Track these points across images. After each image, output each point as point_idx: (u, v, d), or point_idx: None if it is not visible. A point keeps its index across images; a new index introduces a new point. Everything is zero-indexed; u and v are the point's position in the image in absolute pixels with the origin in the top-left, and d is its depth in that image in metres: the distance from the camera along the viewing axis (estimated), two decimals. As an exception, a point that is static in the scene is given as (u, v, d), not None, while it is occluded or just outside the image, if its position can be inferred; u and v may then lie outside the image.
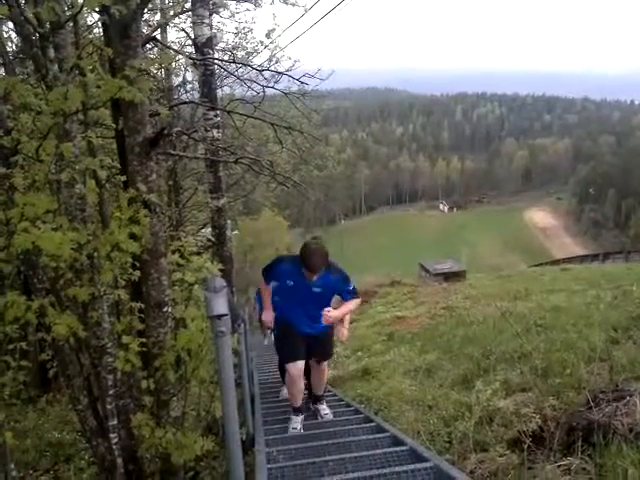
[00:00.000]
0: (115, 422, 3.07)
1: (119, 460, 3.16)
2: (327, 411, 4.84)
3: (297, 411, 4.46)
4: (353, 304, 4.46)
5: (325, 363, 4.72)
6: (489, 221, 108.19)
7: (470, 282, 19.45)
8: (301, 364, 4.28)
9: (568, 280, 14.30)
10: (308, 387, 4.92)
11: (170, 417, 3.32)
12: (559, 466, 3.24)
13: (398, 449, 3.32)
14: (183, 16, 8.19)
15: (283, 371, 5.69)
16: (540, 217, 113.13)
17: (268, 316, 4.54)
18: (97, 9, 2.93)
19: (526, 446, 3.46)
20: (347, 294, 4.36)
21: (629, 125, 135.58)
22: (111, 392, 3.05)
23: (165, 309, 3.25)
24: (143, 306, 3.25)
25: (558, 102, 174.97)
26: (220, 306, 1.59)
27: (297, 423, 4.39)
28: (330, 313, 4.19)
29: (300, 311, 4.25)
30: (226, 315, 1.62)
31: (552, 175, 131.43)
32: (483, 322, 8.99)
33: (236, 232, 15.91)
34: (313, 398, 4.87)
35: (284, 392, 5.83)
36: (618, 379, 4.14)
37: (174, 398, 3.32)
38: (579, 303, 8.68)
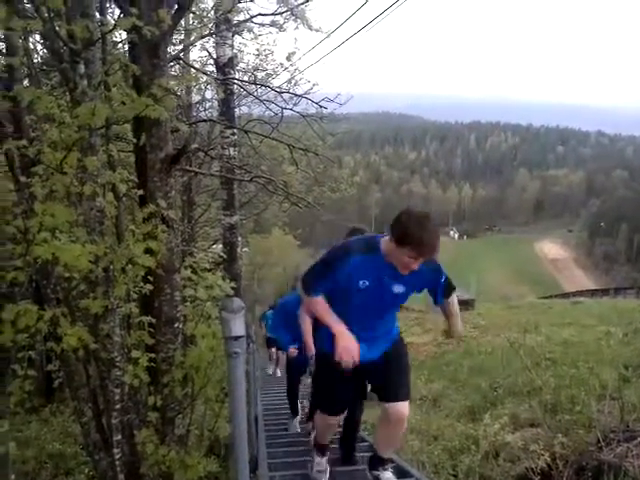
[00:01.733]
0: (119, 437, 3.04)
1: (121, 476, 3.13)
2: None
3: (323, 451, 3.34)
4: (456, 301, 3.09)
5: (407, 405, 2.93)
6: (499, 250, 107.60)
7: (479, 311, 19.28)
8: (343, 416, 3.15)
9: (578, 314, 14.14)
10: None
11: (175, 435, 3.29)
12: (568, 507, 3.17)
13: (403, 480, 3.26)
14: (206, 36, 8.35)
15: (294, 399, 5.44)
16: (551, 249, 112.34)
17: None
18: (128, 29, 2.99)
19: (534, 484, 3.40)
20: (442, 289, 2.90)
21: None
22: (117, 406, 3.04)
23: (176, 325, 3.25)
24: (154, 321, 3.26)
25: (572, 134, 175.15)
26: (237, 327, 1.59)
27: (321, 466, 3.32)
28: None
29: (360, 326, 2.76)
30: (242, 337, 1.62)
31: (564, 207, 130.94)
32: (491, 353, 8.90)
33: (246, 249, 15.94)
34: (374, 460, 3.13)
35: (295, 423, 5.53)
36: (629, 419, 4.07)
37: (179, 416, 3.30)
38: (589, 338, 8.57)
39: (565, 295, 33.08)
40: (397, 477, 3.16)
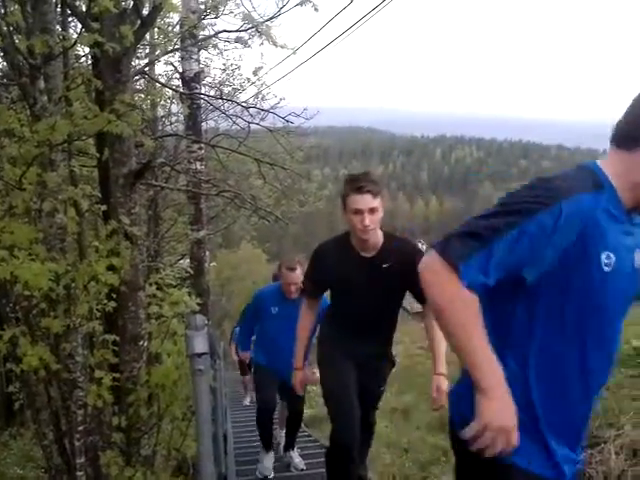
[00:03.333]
0: (82, 460, 2.95)
1: (84, 500, 3.03)
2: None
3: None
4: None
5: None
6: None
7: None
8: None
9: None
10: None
11: (140, 456, 3.22)
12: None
13: (373, 493, 3.26)
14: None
15: (265, 428, 4.29)
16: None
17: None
18: (90, 44, 2.97)
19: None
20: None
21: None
22: (80, 428, 2.95)
23: (141, 343, 3.20)
24: (118, 339, 3.19)
25: (534, 148, 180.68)
26: (200, 344, 1.58)
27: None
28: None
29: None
30: (206, 353, 1.61)
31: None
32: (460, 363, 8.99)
33: (214, 264, 15.79)
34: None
35: (266, 463, 4.37)
36: (592, 426, 4.16)
37: (145, 436, 3.23)
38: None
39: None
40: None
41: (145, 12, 3.29)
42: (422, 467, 4.54)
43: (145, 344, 3.23)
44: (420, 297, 2.53)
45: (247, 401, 9.25)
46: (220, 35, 6.80)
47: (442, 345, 2.74)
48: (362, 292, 2.58)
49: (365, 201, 2.45)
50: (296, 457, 4.55)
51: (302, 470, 4.36)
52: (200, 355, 1.61)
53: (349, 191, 2.49)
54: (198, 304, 6.67)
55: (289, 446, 4.59)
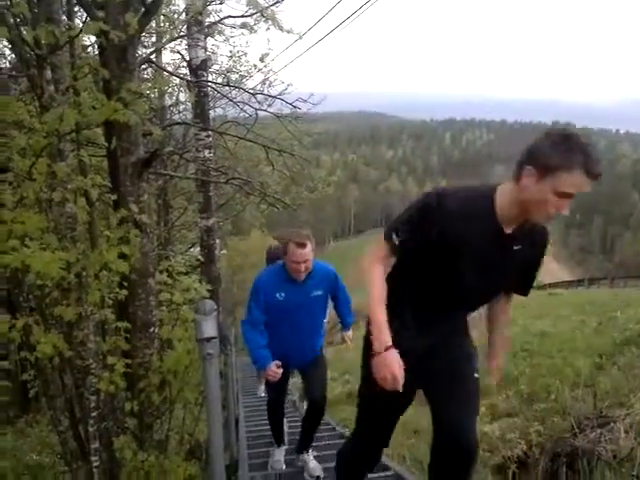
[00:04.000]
0: (97, 445, 3.02)
1: (100, 483, 3.11)
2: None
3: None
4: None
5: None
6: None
7: (458, 306, 19.46)
8: None
9: (554, 305, 14.42)
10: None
11: (153, 440, 3.28)
12: (543, 493, 3.25)
13: (382, 474, 3.30)
14: (179, 39, 8.31)
15: (277, 423, 3.96)
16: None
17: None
18: (95, 33, 2.97)
19: (511, 472, 3.47)
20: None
21: (614, 153, 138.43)
22: (94, 414, 3.01)
23: (152, 330, 3.24)
24: (129, 326, 3.24)
25: (544, 129, 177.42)
26: (209, 329, 1.60)
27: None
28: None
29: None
30: (215, 338, 1.63)
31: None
32: (470, 346, 9.01)
33: (224, 252, 15.87)
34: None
35: (278, 457, 4.02)
36: (602, 405, 4.17)
37: (158, 421, 3.29)
38: (565, 329, 8.74)
39: (541, 287, 33.65)
40: (377, 471, 3.20)
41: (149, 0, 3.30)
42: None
43: (156, 331, 3.28)
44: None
45: (261, 391, 8.65)
46: (226, 21, 6.76)
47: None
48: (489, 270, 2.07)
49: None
50: (311, 461, 3.82)
51: (318, 478, 3.70)
52: (209, 339, 1.63)
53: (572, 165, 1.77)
54: (209, 291, 6.72)
55: (304, 447, 3.84)
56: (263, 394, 8.23)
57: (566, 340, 7.38)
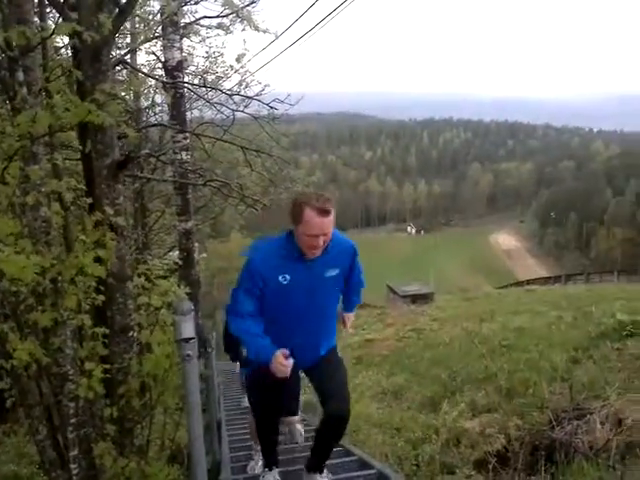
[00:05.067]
0: (76, 452, 2.96)
1: (80, 491, 3.06)
2: None
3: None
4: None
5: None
6: (455, 243, 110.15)
7: (438, 304, 19.70)
8: None
9: (531, 301, 14.65)
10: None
11: (134, 446, 3.24)
12: (523, 486, 3.30)
13: (365, 473, 3.32)
14: (154, 40, 8.24)
15: (270, 443, 3.20)
16: (504, 239, 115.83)
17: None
18: (68, 34, 2.93)
19: (491, 466, 3.52)
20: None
21: (588, 151, 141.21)
22: (72, 421, 2.96)
23: (130, 334, 3.20)
24: (107, 331, 3.20)
25: (520, 128, 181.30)
26: (188, 329, 1.60)
27: None
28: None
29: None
30: (193, 338, 1.63)
31: (516, 199, 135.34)
32: (449, 344, 9.12)
33: (204, 255, 15.76)
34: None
35: (256, 464, 3.70)
36: (579, 398, 4.26)
37: (138, 426, 3.25)
38: (542, 324, 8.90)
39: (519, 284, 34.19)
40: (359, 469, 3.21)
41: (123, 0, 3.26)
42: (414, 445, 4.61)
43: (134, 335, 3.24)
44: None
45: (247, 401, 7.72)
46: (201, 22, 6.71)
47: None
48: None
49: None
50: None
51: None
52: (188, 340, 1.63)
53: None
54: (188, 294, 6.67)
55: (317, 468, 2.96)
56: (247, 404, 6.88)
57: (543, 335, 7.52)
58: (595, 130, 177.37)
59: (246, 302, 2.64)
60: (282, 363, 2.47)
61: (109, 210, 2.96)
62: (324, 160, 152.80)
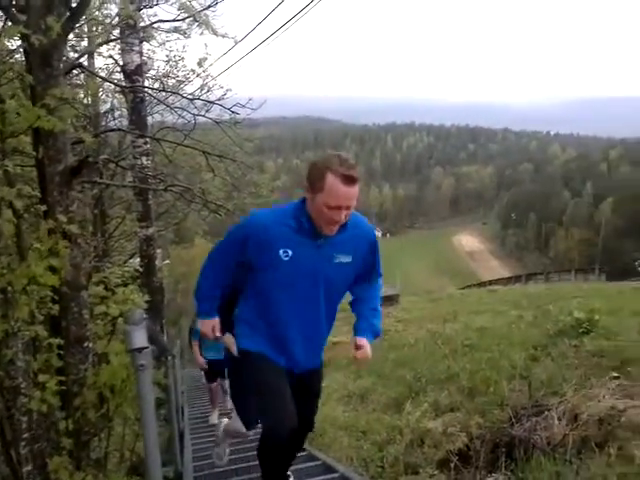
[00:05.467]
0: (30, 468, 2.86)
1: (35, 509, 2.95)
2: None
3: None
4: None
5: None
6: (420, 246, 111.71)
7: (403, 306, 19.91)
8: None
9: (493, 301, 14.98)
10: None
11: (91, 459, 3.15)
12: (484, 483, 3.36)
13: (329, 477, 3.32)
14: (112, 43, 8.08)
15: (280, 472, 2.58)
16: (467, 241, 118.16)
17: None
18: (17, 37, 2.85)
19: (453, 465, 3.57)
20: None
21: (545, 154, 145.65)
22: (25, 435, 2.86)
23: (86, 344, 3.12)
24: (62, 342, 3.10)
25: (481, 132, 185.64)
26: (139, 339, 1.57)
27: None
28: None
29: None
30: (146, 348, 1.59)
31: (478, 201, 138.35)
32: (414, 345, 9.22)
33: (167, 261, 15.50)
34: None
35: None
36: (538, 395, 4.37)
37: (95, 438, 3.17)
38: (503, 323, 9.10)
39: (482, 284, 34.91)
40: (323, 473, 3.21)
41: (74, 3, 3.19)
42: (379, 447, 4.64)
43: (90, 345, 3.16)
44: None
45: (215, 418, 6.34)
46: (157, 25, 6.61)
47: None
48: None
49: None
50: None
51: None
52: (141, 350, 1.60)
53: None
54: (150, 302, 6.55)
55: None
56: (216, 420, 5.88)
57: (504, 334, 7.69)
58: (552, 133, 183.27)
59: (217, 264, 2.35)
60: (210, 329, 2.43)
61: (62, 217, 2.88)
62: (289, 164, 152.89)
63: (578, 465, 3.06)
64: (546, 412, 3.92)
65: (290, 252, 2.15)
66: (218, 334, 2.44)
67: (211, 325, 2.42)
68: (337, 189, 2.02)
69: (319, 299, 2.25)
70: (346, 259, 2.22)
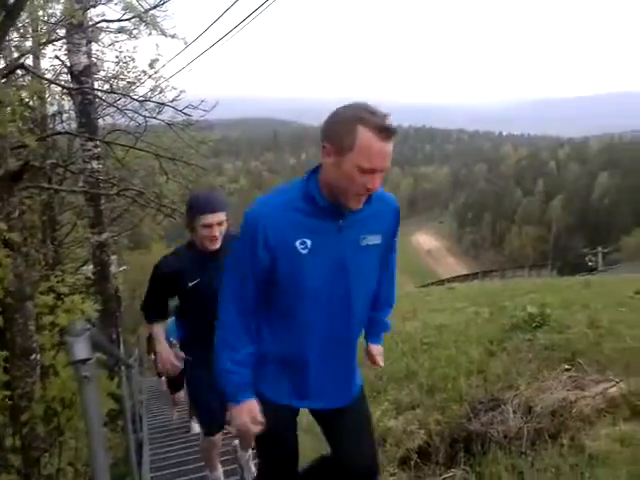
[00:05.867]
0: (-26, 489, 2.73)
1: (-19, 532, 2.80)
2: None
3: None
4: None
5: None
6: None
7: (364, 306, 19.98)
8: None
9: (452, 299, 15.24)
10: None
11: (42, 476, 3.02)
12: (444, 479, 3.40)
13: None
14: (58, 43, 7.82)
15: None
16: (425, 240, 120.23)
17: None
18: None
19: (413, 463, 3.60)
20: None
21: (498, 154, 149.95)
22: (-31, 455, 2.72)
23: (32, 357, 2.99)
24: (8, 355, 2.97)
25: (437, 133, 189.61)
26: (82, 350, 1.50)
27: None
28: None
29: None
30: (90, 359, 1.53)
31: (435, 201, 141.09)
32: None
33: (124, 268, 15.10)
34: None
35: None
36: (494, 389, 4.46)
37: (46, 454, 3.04)
38: (461, 320, 9.27)
39: (440, 282, 35.59)
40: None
41: (11, 2, 3.05)
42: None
43: (37, 357, 3.03)
44: None
45: (195, 428, 6.05)
46: (104, 25, 6.43)
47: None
48: None
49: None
50: None
51: None
52: (84, 361, 1.53)
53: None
54: (104, 310, 6.35)
55: None
56: (197, 430, 5.82)
57: (462, 331, 7.82)
58: (504, 134, 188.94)
59: (247, 283, 1.71)
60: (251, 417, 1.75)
61: (2, 225, 2.74)
62: (248, 167, 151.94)
63: (532, 457, 3.13)
64: (502, 406, 4.00)
65: (308, 242, 1.67)
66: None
67: (250, 413, 1.76)
68: (372, 145, 1.56)
69: (351, 298, 1.76)
70: (375, 240, 1.77)
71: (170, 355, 2.86)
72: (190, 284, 2.71)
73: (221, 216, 2.67)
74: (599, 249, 29.89)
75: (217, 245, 2.69)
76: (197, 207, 2.69)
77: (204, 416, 3.05)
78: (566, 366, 4.54)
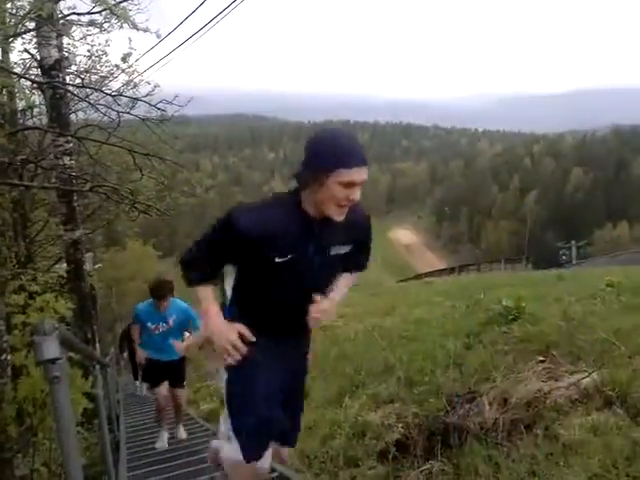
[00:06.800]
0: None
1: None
2: None
3: None
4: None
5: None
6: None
7: (343, 301, 20.08)
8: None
9: (430, 293, 15.38)
10: None
11: (15, 477, 2.96)
12: (422, 471, 3.43)
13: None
14: (27, 36, 7.63)
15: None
16: (404, 235, 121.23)
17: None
18: None
19: (391, 456, 3.62)
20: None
21: (474, 150, 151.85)
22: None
23: (3, 357, 2.92)
24: (-23, 356, 2.89)
25: (413, 129, 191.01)
26: (50, 349, 1.46)
27: None
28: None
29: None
30: (60, 359, 1.49)
31: (412, 196, 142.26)
32: (354, 339, 9.31)
33: (99, 265, 14.86)
34: None
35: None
36: (470, 382, 4.52)
37: (18, 455, 2.97)
38: (438, 314, 9.35)
39: (418, 276, 35.92)
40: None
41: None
42: (323, 442, 4.63)
43: (8, 357, 2.96)
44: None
45: (163, 442, 5.51)
46: (75, 18, 6.28)
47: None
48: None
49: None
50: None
51: None
52: (54, 361, 1.49)
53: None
54: (80, 308, 6.23)
55: None
56: (184, 436, 5.64)
57: (439, 325, 7.90)
58: (480, 130, 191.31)
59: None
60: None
61: (-31, 222, 2.67)
62: (226, 162, 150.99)
63: (508, 447, 3.18)
64: (478, 398, 4.05)
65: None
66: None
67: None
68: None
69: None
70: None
71: (232, 333, 2.00)
72: (279, 259, 1.92)
73: (366, 173, 1.98)
74: (572, 243, 30.49)
75: (344, 215, 1.94)
76: (337, 156, 1.91)
77: (249, 429, 2.08)
78: (540, 358, 4.61)
